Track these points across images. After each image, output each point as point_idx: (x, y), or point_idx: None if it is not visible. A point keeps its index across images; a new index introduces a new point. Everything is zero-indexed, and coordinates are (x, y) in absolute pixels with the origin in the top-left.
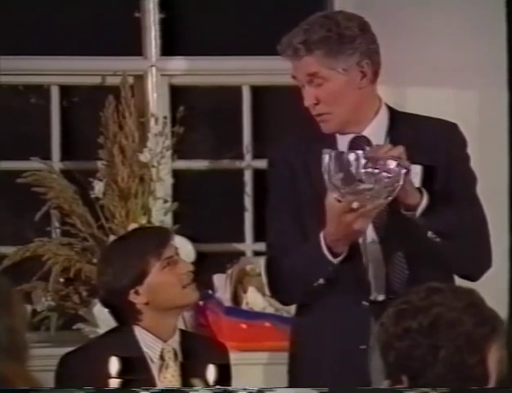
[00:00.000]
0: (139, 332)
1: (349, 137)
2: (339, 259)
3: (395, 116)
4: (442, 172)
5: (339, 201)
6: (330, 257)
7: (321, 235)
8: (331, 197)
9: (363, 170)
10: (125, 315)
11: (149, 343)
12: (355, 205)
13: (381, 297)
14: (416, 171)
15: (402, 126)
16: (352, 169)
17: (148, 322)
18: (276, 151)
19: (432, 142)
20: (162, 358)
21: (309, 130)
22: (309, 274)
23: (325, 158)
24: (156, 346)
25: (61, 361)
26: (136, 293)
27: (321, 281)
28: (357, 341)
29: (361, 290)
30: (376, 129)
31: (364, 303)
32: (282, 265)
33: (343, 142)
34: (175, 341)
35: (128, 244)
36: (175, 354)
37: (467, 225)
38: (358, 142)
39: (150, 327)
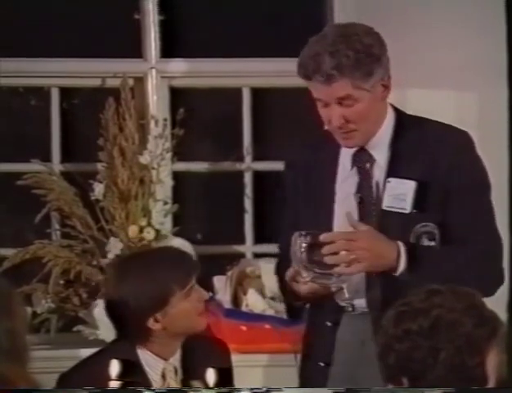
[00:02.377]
0: (141, 352)
1: (352, 150)
2: (299, 303)
3: (402, 119)
4: (442, 181)
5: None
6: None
7: (286, 276)
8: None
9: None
10: (134, 335)
11: (151, 363)
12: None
13: (359, 311)
14: (410, 187)
15: (407, 129)
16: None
17: (155, 345)
18: (290, 152)
19: (435, 147)
20: (163, 377)
21: (316, 137)
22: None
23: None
24: (157, 366)
25: (60, 379)
26: (156, 320)
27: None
28: (317, 358)
29: (326, 311)
30: (381, 135)
31: (327, 323)
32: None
33: (346, 155)
34: (176, 359)
35: (152, 265)
36: (175, 371)
37: (468, 257)
38: (360, 157)
39: (155, 348)
